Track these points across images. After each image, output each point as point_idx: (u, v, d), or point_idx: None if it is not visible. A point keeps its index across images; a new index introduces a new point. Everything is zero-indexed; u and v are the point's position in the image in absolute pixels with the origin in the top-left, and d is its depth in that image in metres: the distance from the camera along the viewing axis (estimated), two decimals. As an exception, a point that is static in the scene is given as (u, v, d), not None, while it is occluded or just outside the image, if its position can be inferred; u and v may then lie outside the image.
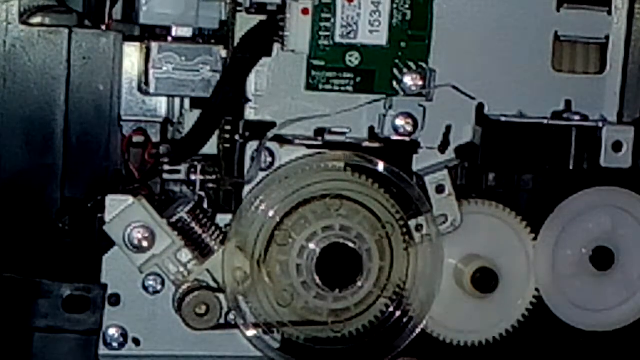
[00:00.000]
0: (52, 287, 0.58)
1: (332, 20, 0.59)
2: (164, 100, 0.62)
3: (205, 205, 0.61)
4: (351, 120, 0.61)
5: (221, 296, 0.59)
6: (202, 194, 0.61)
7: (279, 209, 0.59)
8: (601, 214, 0.64)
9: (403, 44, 0.60)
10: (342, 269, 0.59)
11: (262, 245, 0.59)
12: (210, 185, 0.61)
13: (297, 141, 0.60)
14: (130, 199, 0.58)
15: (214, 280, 0.59)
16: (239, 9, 0.59)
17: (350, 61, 0.60)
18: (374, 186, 0.60)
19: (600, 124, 0.63)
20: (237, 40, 0.59)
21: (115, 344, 0.60)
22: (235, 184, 0.60)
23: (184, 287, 0.59)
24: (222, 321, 0.60)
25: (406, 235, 0.61)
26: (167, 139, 0.62)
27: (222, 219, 0.60)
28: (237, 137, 0.60)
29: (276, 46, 0.60)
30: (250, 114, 0.60)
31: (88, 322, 0.58)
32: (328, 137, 0.60)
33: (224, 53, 0.59)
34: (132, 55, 0.61)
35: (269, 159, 0.60)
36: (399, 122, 0.61)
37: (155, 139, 0.62)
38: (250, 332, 0.60)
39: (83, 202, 0.59)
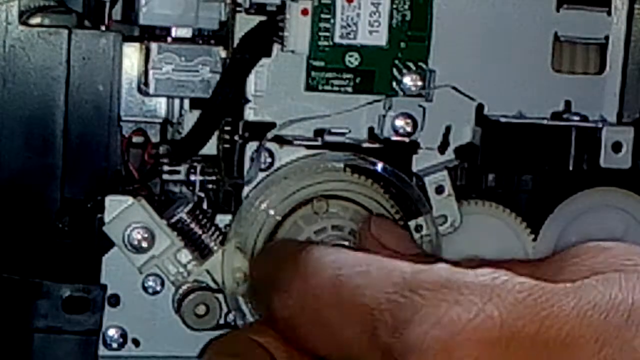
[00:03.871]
0: (52, 287, 0.58)
1: (332, 21, 0.59)
2: (163, 100, 0.62)
3: (205, 206, 0.61)
4: (351, 120, 0.61)
5: (221, 297, 0.59)
6: (202, 194, 0.61)
7: (279, 209, 0.59)
8: (601, 215, 0.64)
9: (403, 45, 0.60)
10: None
11: (261, 246, 0.59)
12: (210, 185, 0.61)
13: (296, 142, 0.60)
14: (129, 200, 0.58)
15: (214, 280, 0.59)
16: (238, 9, 0.59)
17: (349, 62, 0.60)
18: (373, 187, 0.60)
19: (600, 125, 0.63)
20: (236, 41, 0.59)
21: (114, 345, 0.60)
22: (235, 184, 0.60)
23: (184, 287, 0.59)
24: (222, 322, 0.59)
25: (406, 235, 0.61)
26: (166, 139, 0.62)
27: (222, 219, 0.60)
28: (236, 137, 0.60)
29: (276, 47, 0.59)
30: (249, 114, 0.60)
31: (88, 323, 0.58)
32: (328, 138, 0.60)
33: (223, 54, 0.59)
34: (131, 56, 0.61)
35: (269, 160, 0.60)
36: (399, 122, 0.61)
37: (155, 139, 0.62)
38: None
39: (82, 203, 0.59)
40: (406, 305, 0.40)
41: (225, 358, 0.50)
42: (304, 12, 0.58)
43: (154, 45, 0.58)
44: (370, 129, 0.62)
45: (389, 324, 0.40)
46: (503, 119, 0.62)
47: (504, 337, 0.37)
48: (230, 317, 0.60)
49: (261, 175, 0.59)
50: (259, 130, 0.60)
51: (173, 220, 0.59)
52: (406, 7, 0.60)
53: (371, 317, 0.41)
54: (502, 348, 0.37)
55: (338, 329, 0.44)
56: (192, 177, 0.61)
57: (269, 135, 0.59)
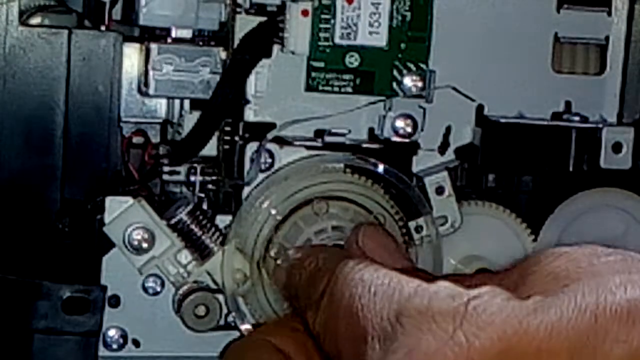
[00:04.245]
0: (52, 288, 0.58)
1: (332, 22, 0.59)
2: (163, 101, 0.62)
3: (205, 207, 0.61)
4: (351, 121, 0.61)
5: (221, 298, 0.59)
6: (202, 195, 0.61)
7: (279, 210, 0.59)
8: (601, 215, 0.64)
9: (403, 45, 0.60)
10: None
11: (261, 247, 0.59)
12: (210, 186, 0.61)
13: (296, 142, 0.60)
14: (130, 200, 0.58)
15: (214, 281, 0.59)
16: (238, 10, 0.59)
17: (350, 62, 0.60)
18: (373, 187, 0.60)
19: (600, 125, 0.63)
20: (236, 42, 0.59)
21: (115, 345, 0.60)
22: (235, 185, 0.60)
23: (184, 288, 0.59)
24: (221, 322, 0.59)
25: (406, 236, 0.60)
26: (166, 140, 0.62)
27: (222, 220, 0.60)
28: (236, 138, 0.60)
29: (276, 47, 0.59)
30: (249, 115, 0.60)
31: (88, 324, 0.58)
32: (328, 139, 0.60)
33: (223, 54, 0.59)
34: (131, 56, 0.61)
35: (269, 160, 0.59)
36: (399, 123, 0.61)
37: (155, 140, 0.62)
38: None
39: (83, 203, 0.59)
40: (389, 333, 0.41)
41: None
42: (304, 12, 0.58)
43: (154, 46, 0.58)
44: (371, 130, 0.62)
45: (377, 352, 0.41)
46: (503, 120, 0.62)
47: None
48: (230, 318, 0.60)
49: (261, 176, 0.59)
50: (259, 130, 0.60)
51: (173, 221, 0.59)
52: (406, 7, 0.60)
53: (365, 343, 0.42)
54: None
55: (343, 348, 0.44)
56: (192, 178, 0.61)
57: (269, 135, 0.59)
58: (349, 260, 0.48)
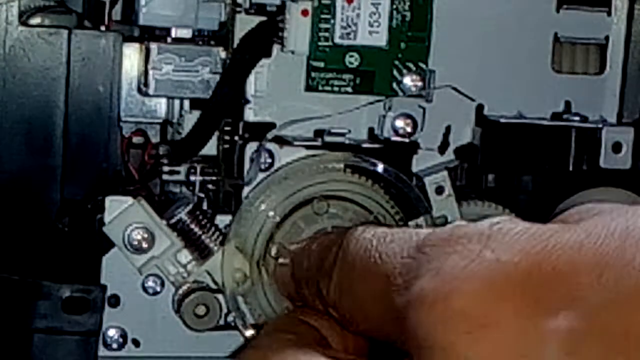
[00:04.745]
0: (52, 288, 0.58)
1: (332, 21, 0.59)
2: (163, 101, 0.62)
3: (205, 206, 0.61)
4: (351, 121, 0.61)
5: (221, 297, 0.59)
6: (202, 195, 0.61)
7: (279, 210, 0.59)
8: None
9: (403, 45, 0.60)
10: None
11: (261, 247, 0.59)
12: (210, 186, 0.61)
13: (296, 142, 0.60)
14: (129, 200, 0.58)
15: (214, 281, 0.59)
16: (238, 10, 0.59)
17: (349, 62, 0.60)
18: (373, 187, 0.60)
19: (600, 125, 0.63)
20: (236, 41, 0.59)
21: (114, 345, 0.60)
22: (235, 185, 0.60)
23: (184, 288, 0.59)
24: (221, 322, 0.60)
25: (405, 236, 0.60)
26: (166, 139, 0.63)
27: (222, 220, 0.60)
28: (236, 138, 0.60)
29: (276, 47, 0.60)
30: (249, 115, 0.60)
31: (87, 323, 0.58)
32: (328, 138, 0.60)
33: (223, 54, 0.59)
34: (131, 56, 0.61)
35: (269, 160, 0.59)
36: (399, 123, 0.61)
37: (155, 139, 0.62)
38: (250, 333, 0.60)
39: (82, 203, 0.59)
40: (413, 265, 0.40)
41: (275, 333, 0.50)
42: (304, 12, 0.58)
43: (153, 46, 0.58)
44: (370, 130, 0.62)
45: (401, 287, 0.40)
46: (503, 120, 0.62)
47: (499, 277, 0.37)
48: (230, 317, 0.60)
49: (261, 175, 0.59)
50: (259, 130, 0.60)
51: (173, 221, 0.59)
52: (406, 7, 0.60)
53: (387, 283, 0.41)
54: (498, 288, 0.37)
55: (363, 301, 0.44)
56: (192, 178, 0.61)
57: (269, 135, 0.59)
58: (357, 227, 0.47)
